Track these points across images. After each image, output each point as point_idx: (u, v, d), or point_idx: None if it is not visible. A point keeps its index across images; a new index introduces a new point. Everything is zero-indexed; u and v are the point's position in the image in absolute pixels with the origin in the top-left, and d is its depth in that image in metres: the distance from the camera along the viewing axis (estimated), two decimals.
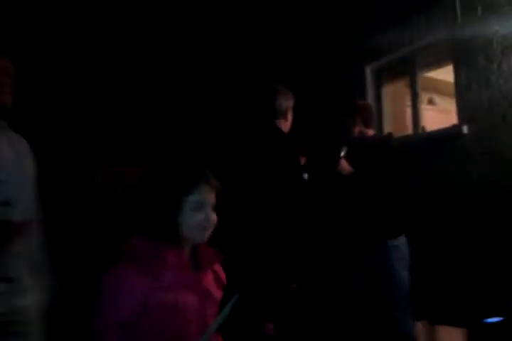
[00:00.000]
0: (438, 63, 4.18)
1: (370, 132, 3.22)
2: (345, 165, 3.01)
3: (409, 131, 4.26)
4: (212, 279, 1.71)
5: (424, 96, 4.33)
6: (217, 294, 1.70)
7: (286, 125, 2.84)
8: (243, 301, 2.38)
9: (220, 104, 5.00)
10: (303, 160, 2.97)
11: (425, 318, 3.48)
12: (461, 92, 3.72)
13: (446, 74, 4.11)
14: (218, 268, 1.74)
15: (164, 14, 4.87)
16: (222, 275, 1.75)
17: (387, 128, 4.41)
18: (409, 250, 2.99)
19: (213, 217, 1.65)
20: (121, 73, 4.79)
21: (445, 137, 3.78)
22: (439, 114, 4.60)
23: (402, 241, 2.99)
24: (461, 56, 3.73)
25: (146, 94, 4.96)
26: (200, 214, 1.63)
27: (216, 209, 1.67)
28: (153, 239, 1.59)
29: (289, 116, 2.87)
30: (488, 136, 3.48)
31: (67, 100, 4.48)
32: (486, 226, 3.38)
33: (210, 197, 1.65)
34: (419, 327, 3.30)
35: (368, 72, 4.55)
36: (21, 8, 4.22)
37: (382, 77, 4.55)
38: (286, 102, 2.83)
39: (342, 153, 3.03)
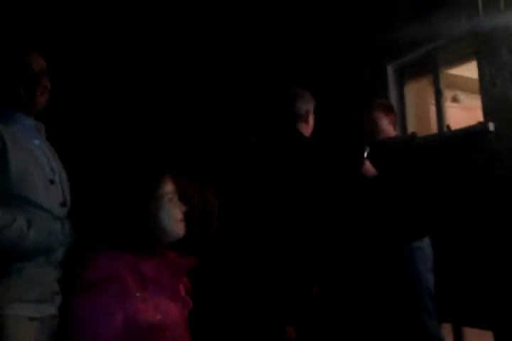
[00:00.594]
0: (461, 59, 4.10)
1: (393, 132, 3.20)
2: (369, 167, 2.98)
3: (434, 129, 4.19)
4: (184, 288, 1.68)
5: (447, 94, 4.26)
6: (190, 303, 1.68)
7: (307, 128, 2.83)
8: (264, 305, 2.39)
9: (237, 109, 5.00)
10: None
11: (451, 320, 3.42)
12: (486, 88, 3.65)
13: (469, 70, 4.03)
14: (185, 278, 1.70)
15: (176, 19, 4.90)
16: (189, 285, 1.71)
17: (411, 128, 4.35)
18: (433, 251, 2.96)
19: (183, 207, 1.66)
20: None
21: (471, 135, 3.71)
22: (464, 112, 4.52)
23: (426, 242, 2.96)
24: (484, 51, 3.66)
25: (160, 102, 5.01)
26: (176, 205, 1.64)
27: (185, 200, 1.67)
28: (124, 251, 1.51)
29: (310, 120, 2.85)
30: None
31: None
32: None
33: (174, 188, 1.66)
34: (446, 329, 3.25)
35: (390, 70, 4.49)
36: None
37: (405, 76, 4.48)
38: (306, 105, 2.82)
39: (365, 154, 3.01)
